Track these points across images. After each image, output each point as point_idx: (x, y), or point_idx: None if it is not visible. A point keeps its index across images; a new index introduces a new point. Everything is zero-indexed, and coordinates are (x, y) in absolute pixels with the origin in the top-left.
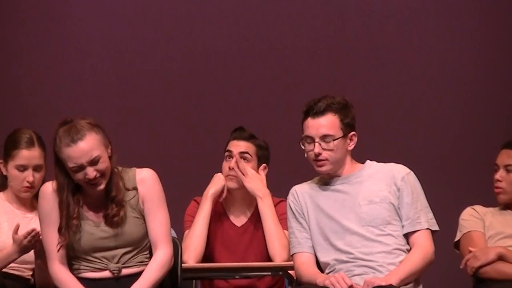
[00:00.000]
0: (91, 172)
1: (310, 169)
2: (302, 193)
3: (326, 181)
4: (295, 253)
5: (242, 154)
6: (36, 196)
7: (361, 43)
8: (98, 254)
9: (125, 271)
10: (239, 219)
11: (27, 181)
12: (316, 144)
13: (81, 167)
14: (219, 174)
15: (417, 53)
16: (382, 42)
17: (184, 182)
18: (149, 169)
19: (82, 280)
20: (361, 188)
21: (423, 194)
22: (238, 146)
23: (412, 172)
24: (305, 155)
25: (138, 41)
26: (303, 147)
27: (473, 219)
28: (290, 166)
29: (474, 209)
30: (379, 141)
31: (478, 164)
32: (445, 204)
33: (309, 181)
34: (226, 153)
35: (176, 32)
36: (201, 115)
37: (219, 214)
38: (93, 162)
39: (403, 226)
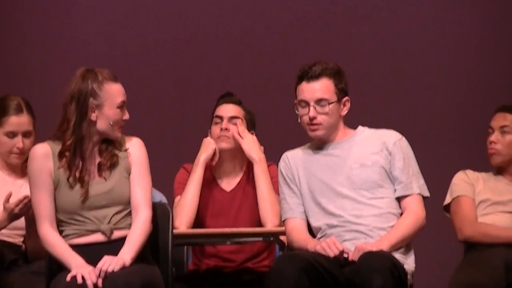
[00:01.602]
0: (127, 113)
1: (301, 136)
2: (294, 158)
3: (318, 146)
4: (286, 219)
5: (233, 119)
6: (26, 163)
7: (354, 10)
8: (89, 214)
9: (116, 234)
10: (228, 184)
11: (17, 147)
12: (311, 108)
13: (124, 103)
14: (208, 138)
15: (412, 19)
16: (378, 7)
17: (174, 150)
18: (136, 137)
19: (73, 247)
20: (353, 152)
21: (415, 160)
22: (228, 110)
23: (404, 138)
24: (299, 120)
25: (127, 7)
26: (297, 112)
27: (464, 184)
28: (280, 132)
29: (466, 174)
30: (371, 108)
31: (471, 132)
32: (437, 170)
33: (301, 147)
34: (216, 118)
35: None
36: (186, 82)
37: (208, 180)
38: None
39: (395, 190)
